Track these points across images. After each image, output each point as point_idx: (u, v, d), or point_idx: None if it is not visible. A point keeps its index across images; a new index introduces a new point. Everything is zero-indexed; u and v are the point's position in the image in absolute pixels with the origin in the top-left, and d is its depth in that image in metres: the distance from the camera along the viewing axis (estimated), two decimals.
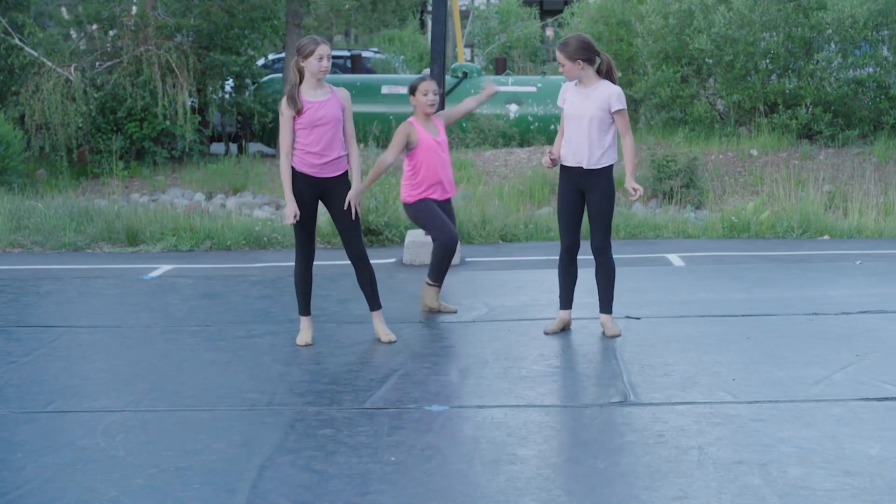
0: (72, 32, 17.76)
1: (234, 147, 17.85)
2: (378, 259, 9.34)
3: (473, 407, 5.62)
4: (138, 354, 6.75)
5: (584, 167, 6.75)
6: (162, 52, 15.34)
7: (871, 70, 15.23)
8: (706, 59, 15.76)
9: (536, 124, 16.55)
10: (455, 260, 9.16)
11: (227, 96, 16.95)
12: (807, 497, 4.32)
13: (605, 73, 6.78)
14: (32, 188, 14.01)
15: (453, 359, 6.57)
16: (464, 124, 16.18)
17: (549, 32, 27.06)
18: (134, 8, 16.58)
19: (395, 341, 6.86)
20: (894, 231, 11.26)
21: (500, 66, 19.80)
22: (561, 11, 26.55)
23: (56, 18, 19.42)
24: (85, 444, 5.08)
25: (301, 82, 6.60)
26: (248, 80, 17.04)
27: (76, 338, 7.14)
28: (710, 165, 14.17)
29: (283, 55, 19.17)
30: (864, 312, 7.43)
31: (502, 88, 16.37)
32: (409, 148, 7.43)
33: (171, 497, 4.44)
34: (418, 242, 9.75)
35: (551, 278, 7.22)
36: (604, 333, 6.94)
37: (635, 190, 6.70)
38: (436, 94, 7.38)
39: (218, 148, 17.89)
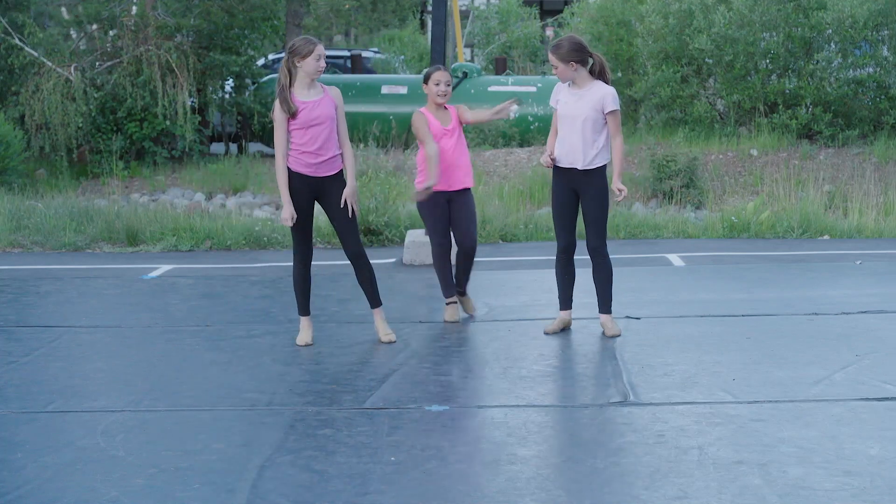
0: (72, 32, 17.76)
1: (234, 147, 17.84)
2: (378, 259, 9.33)
3: (473, 407, 5.62)
4: (138, 354, 6.75)
5: (579, 168, 6.75)
6: (162, 52, 15.33)
7: (871, 70, 15.21)
8: (706, 59, 15.74)
9: (536, 124, 16.53)
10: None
11: (227, 96, 16.93)
12: (807, 497, 4.32)
13: (598, 74, 6.79)
14: (32, 188, 14.00)
15: (453, 359, 6.57)
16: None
17: (550, 32, 27.03)
18: (134, 8, 16.56)
19: (395, 341, 6.86)
20: (894, 231, 11.26)
21: (500, 66, 19.78)
22: (561, 11, 26.53)
23: (56, 18, 19.42)
24: (85, 444, 5.08)
25: (292, 83, 6.57)
26: (248, 80, 17.02)
27: (76, 338, 7.14)
28: (710, 165, 14.16)
29: (283, 55, 19.14)
30: (864, 312, 7.43)
31: (502, 88, 16.38)
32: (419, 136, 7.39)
33: (171, 497, 4.44)
34: (418, 242, 9.73)
35: (551, 278, 7.22)
36: (604, 333, 6.94)
37: (620, 191, 6.72)
38: (448, 85, 7.32)
39: (218, 148, 17.89)
